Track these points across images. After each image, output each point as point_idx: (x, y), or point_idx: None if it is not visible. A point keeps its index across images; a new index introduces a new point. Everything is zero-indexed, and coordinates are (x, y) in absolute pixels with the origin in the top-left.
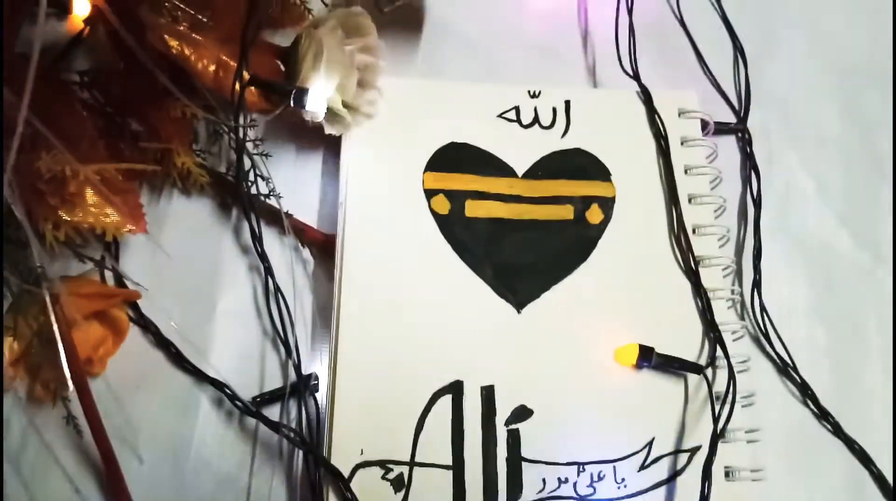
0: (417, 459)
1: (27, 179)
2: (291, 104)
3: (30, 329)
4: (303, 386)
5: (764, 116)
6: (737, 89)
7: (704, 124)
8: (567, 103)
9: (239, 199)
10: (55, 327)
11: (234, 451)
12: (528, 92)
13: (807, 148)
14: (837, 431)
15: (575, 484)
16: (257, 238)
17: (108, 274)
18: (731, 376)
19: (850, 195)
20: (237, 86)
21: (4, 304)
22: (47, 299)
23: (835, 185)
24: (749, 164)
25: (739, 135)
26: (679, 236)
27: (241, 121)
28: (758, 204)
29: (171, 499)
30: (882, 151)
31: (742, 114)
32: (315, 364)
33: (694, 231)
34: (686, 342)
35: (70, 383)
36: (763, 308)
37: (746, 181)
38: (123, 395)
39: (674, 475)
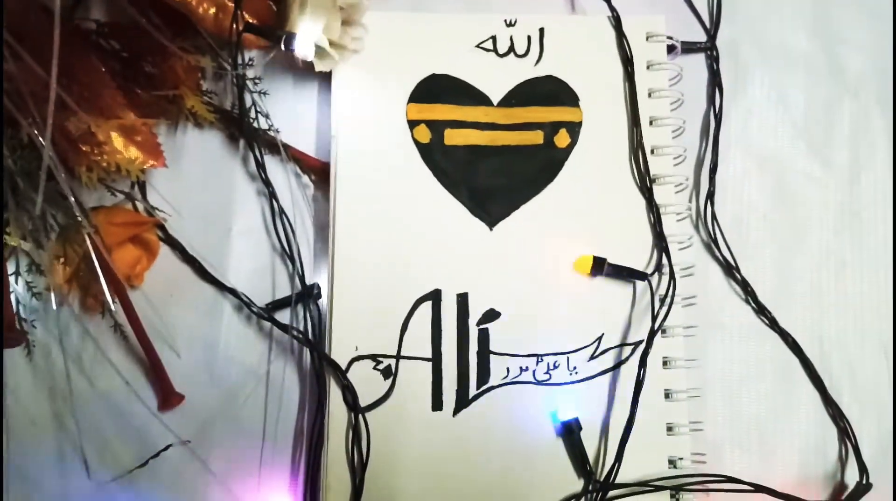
0: (403, 353)
1: (61, 132)
2: (282, 48)
3: (76, 254)
4: (306, 294)
5: (734, 34)
6: (709, 7)
7: (671, 48)
8: (541, 31)
9: (243, 133)
10: (93, 255)
11: (254, 348)
12: (505, 21)
13: (773, 64)
14: (773, 324)
15: (534, 372)
16: (261, 166)
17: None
18: (672, 279)
19: (810, 109)
20: (234, 29)
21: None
22: (86, 236)
23: (796, 99)
24: (715, 81)
25: (708, 53)
26: (638, 156)
27: (240, 62)
28: (718, 119)
29: (206, 386)
30: (847, 66)
31: (712, 32)
32: (317, 275)
33: (653, 152)
34: (637, 253)
35: (109, 298)
36: (714, 218)
37: (711, 99)
38: (160, 303)
39: (618, 364)
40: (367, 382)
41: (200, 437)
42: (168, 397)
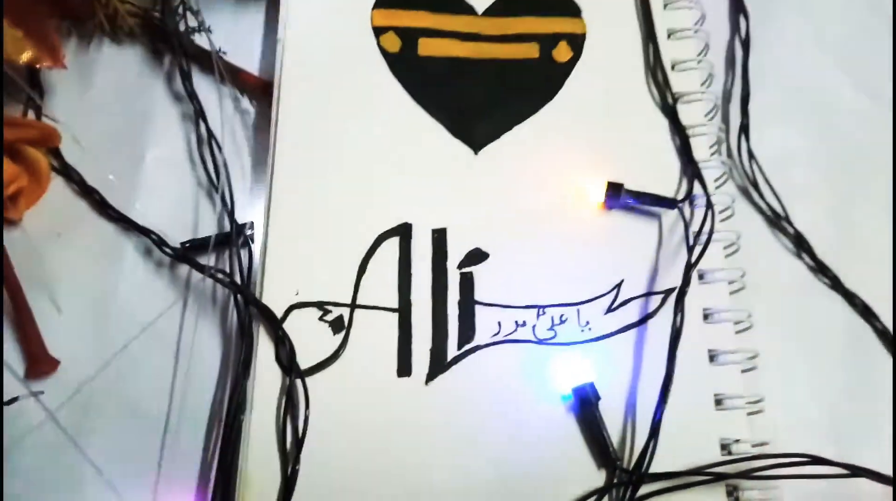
0: (359, 301)
1: None
2: None
3: None
4: (235, 232)
5: None
6: None
7: None
8: None
9: (167, 35)
10: None
11: (162, 301)
12: None
13: None
14: (836, 285)
15: (534, 327)
16: (187, 78)
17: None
18: (709, 206)
19: (849, 41)
20: None
21: None
22: None
23: (833, 30)
24: (738, 5)
25: None
26: (656, 71)
27: None
28: (746, 46)
29: (94, 348)
30: None
31: None
32: (254, 215)
33: (673, 67)
34: (661, 183)
35: None
36: (751, 155)
37: (735, 28)
38: (42, 244)
39: (645, 317)
40: (310, 337)
41: (79, 416)
42: (38, 361)
